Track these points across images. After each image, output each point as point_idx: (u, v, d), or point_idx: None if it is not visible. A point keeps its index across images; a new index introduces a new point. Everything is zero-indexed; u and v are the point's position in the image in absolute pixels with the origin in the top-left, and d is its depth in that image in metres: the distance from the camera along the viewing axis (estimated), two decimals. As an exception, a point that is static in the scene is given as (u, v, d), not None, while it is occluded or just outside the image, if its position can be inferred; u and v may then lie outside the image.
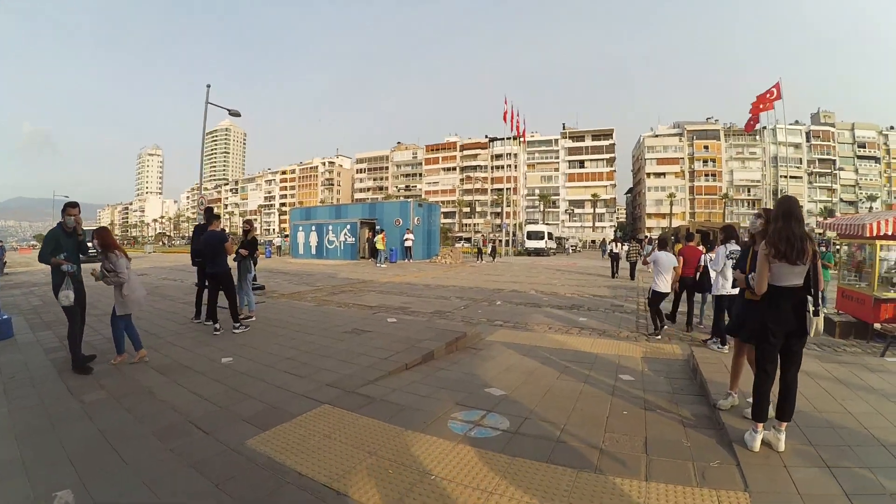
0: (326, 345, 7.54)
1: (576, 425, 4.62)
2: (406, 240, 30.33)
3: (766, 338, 4.13)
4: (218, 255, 8.81)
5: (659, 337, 8.96)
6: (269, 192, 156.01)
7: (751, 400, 4.44)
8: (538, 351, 7.63)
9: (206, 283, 9.17)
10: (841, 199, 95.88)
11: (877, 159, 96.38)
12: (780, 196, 4.73)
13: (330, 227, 32.67)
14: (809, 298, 4.15)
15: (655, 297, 9.22)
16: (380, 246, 27.34)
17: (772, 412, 4.25)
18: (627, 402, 5.32)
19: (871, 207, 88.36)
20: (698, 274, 9.78)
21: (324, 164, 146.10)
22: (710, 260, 9.16)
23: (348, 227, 31.35)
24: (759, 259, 4.17)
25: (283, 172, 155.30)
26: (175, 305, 11.80)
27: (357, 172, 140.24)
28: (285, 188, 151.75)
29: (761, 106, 44.32)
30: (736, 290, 6.93)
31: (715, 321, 8.16)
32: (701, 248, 10.45)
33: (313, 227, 33.92)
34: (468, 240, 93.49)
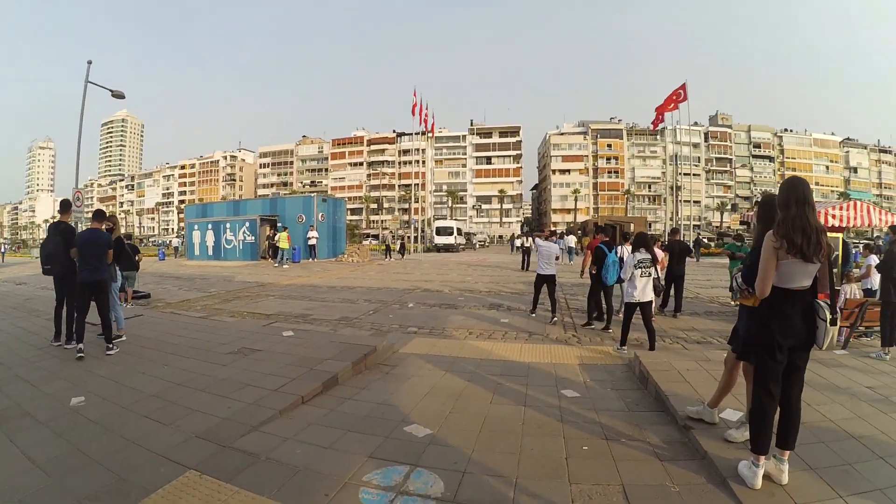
0: (205, 372, 6.18)
1: (531, 477, 3.59)
2: (310, 238, 28.68)
3: (772, 353, 3.31)
4: (100, 258, 7.47)
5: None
6: (168, 189, 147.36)
7: (727, 415, 3.90)
8: (462, 363, 6.72)
9: (74, 295, 7.70)
10: (737, 195, 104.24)
11: (771, 158, 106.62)
12: (788, 178, 3.68)
13: (227, 226, 30.36)
14: (820, 304, 3.33)
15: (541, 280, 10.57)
16: (283, 244, 25.70)
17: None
18: (583, 432, 4.44)
19: (737, 206, 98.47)
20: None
21: (225, 157, 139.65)
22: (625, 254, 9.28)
23: (247, 224, 29.24)
24: (764, 255, 3.29)
25: (182, 167, 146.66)
26: (39, 324, 9.80)
27: (260, 167, 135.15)
28: (184, 184, 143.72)
29: (670, 106, 45.85)
30: (650, 298, 7.55)
31: (624, 329, 7.77)
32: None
33: (210, 226, 31.42)
34: (376, 237, 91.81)
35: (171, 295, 15.19)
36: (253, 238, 28.59)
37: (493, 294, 14.62)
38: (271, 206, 32.80)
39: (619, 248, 10.14)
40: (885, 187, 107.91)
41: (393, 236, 50.89)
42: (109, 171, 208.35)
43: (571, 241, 33.98)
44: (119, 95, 19.20)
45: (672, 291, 11.35)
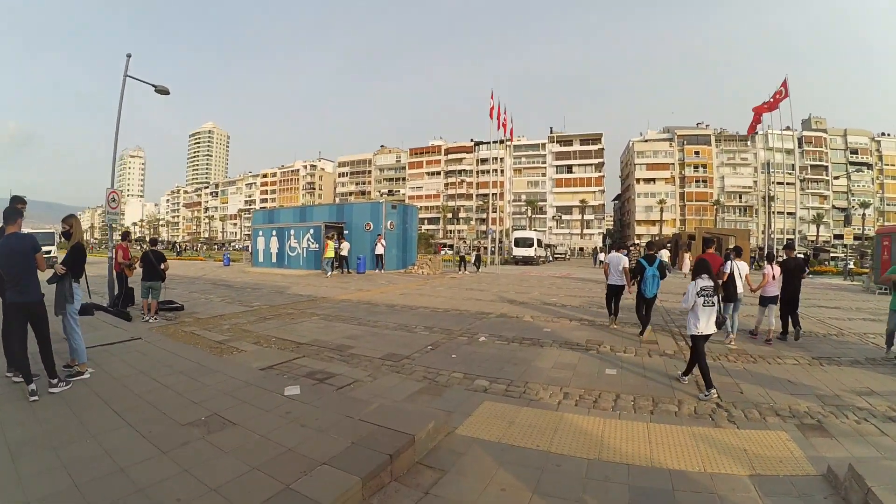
0: (126, 464, 3.67)
1: None
2: (376, 246, 26.34)
3: None
4: (26, 272, 5.39)
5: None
6: (250, 196, 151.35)
7: None
8: (562, 470, 4.05)
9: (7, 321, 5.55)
10: (833, 206, 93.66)
11: (869, 165, 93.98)
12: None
13: (292, 232, 28.30)
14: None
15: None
16: (328, 254, 23.73)
17: None
18: None
19: (863, 214, 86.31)
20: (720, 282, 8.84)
21: (305, 167, 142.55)
22: (737, 267, 9.76)
23: (311, 231, 26.96)
24: None
25: (264, 175, 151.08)
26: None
27: (339, 176, 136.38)
28: (266, 192, 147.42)
29: (765, 105, 42.13)
30: (712, 331, 6.56)
31: (691, 362, 6.85)
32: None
33: (274, 232, 29.51)
34: (451, 247, 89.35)
35: (209, 308, 13.22)
36: (317, 246, 26.30)
37: (589, 324, 11.57)
38: (338, 212, 30.59)
39: (730, 262, 9.78)
40: None
41: (469, 247, 47.55)
42: (196, 178, 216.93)
43: (664, 255, 30.95)
44: (163, 91, 17.53)
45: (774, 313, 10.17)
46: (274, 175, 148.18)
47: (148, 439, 4.23)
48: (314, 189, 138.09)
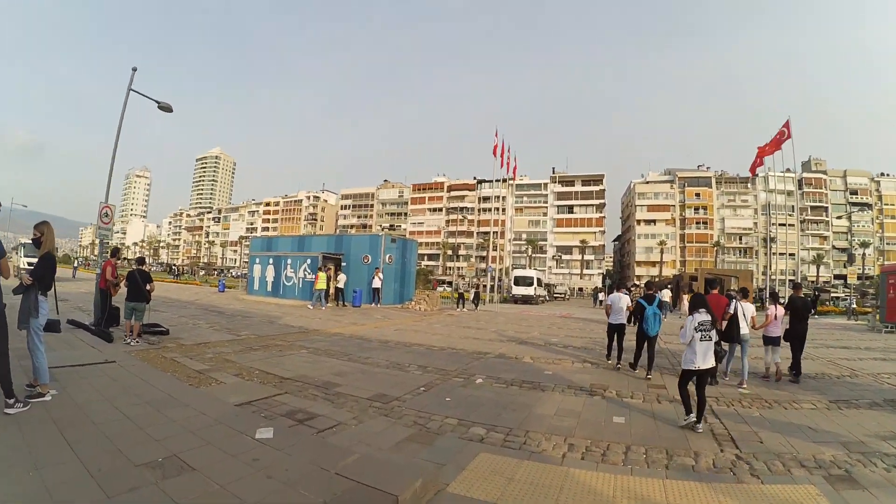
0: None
1: None
2: (374, 280, 25.73)
3: None
4: None
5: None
6: (252, 224, 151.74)
7: None
8: None
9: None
10: (833, 247, 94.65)
11: (869, 206, 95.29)
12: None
13: (289, 261, 27.68)
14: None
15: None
16: (320, 285, 23.11)
17: None
18: None
19: (864, 254, 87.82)
20: (724, 323, 9.61)
21: (308, 197, 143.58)
22: (742, 308, 9.82)
23: (308, 261, 26.34)
24: None
25: (267, 204, 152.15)
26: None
27: (342, 209, 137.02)
28: (268, 220, 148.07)
29: (768, 148, 42.18)
30: (710, 365, 6.52)
31: (700, 405, 6.52)
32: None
33: (271, 260, 28.86)
34: (450, 283, 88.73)
35: (195, 334, 12.65)
36: (314, 276, 25.79)
37: (593, 367, 10.98)
38: (337, 243, 29.91)
39: (735, 303, 9.91)
40: None
41: (468, 284, 46.53)
42: (200, 202, 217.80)
43: (665, 295, 31.38)
44: (166, 108, 17.33)
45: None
46: (277, 204, 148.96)
47: (95, 479, 3.74)
48: (316, 220, 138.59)
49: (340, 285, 25.22)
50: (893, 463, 5.21)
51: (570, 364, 11.21)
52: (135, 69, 16.62)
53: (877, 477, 4.81)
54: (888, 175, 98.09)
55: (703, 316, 6.60)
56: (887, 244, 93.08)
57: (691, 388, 6.74)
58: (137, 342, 10.46)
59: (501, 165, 42.66)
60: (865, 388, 9.36)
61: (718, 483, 4.59)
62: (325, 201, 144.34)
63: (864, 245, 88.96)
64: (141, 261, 11.90)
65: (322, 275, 23.36)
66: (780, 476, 4.83)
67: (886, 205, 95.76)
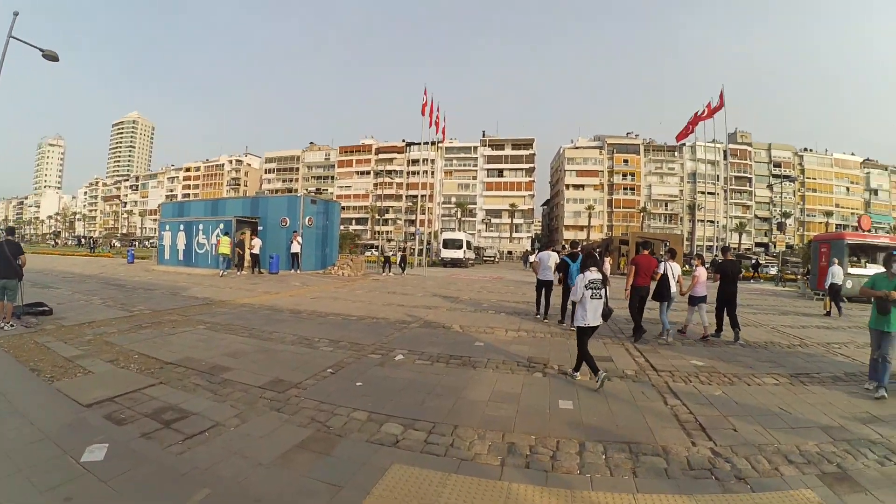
0: None
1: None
2: (292, 244, 24.21)
3: None
4: None
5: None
6: (172, 191, 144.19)
7: None
8: None
9: None
10: (756, 216, 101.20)
11: (791, 178, 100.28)
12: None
13: (200, 227, 25.60)
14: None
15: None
16: (222, 250, 21.70)
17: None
18: None
19: (783, 224, 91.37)
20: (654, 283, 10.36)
21: (231, 161, 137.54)
22: (671, 268, 10.35)
23: (221, 226, 24.15)
24: None
25: (188, 169, 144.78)
26: None
27: (266, 172, 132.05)
28: (188, 187, 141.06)
29: (702, 115, 43.04)
30: (598, 322, 6.72)
31: (580, 356, 6.86)
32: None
33: (182, 227, 26.62)
34: (375, 247, 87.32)
35: (83, 312, 11.11)
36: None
37: (529, 336, 10.10)
38: (252, 206, 27.70)
39: (664, 264, 10.45)
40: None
41: (398, 248, 44.79)
42: (118, 170, 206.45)
43: (607, 264, 31.52)
44: (51, 56, 15.50)
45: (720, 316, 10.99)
46: (198, 169, 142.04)
47: None
48: (239, 185, 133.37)
49: (256, 251, 23.43)
50: (884, 453, 4.60)
51: (504, 333, 10.37)
52: (16, 13, 14.83)
53: (873, 473, 4.17)
54: (811, 150, 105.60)
55: (593, 274, 6.76)
56: (808, 215, 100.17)
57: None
58: (13, 326, 9.03)
59: (430, 125, 41.25)
60: (820, 360, 8.93)
61: (702, 494, 3.76)
62: (249, 165, 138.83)
63: (786, 215, 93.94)
64: (10, 231, 10.27)
65: (225, 238, 21.90)
66: (770, 479, 4.06)
67: (808, 178, 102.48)
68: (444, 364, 7.57)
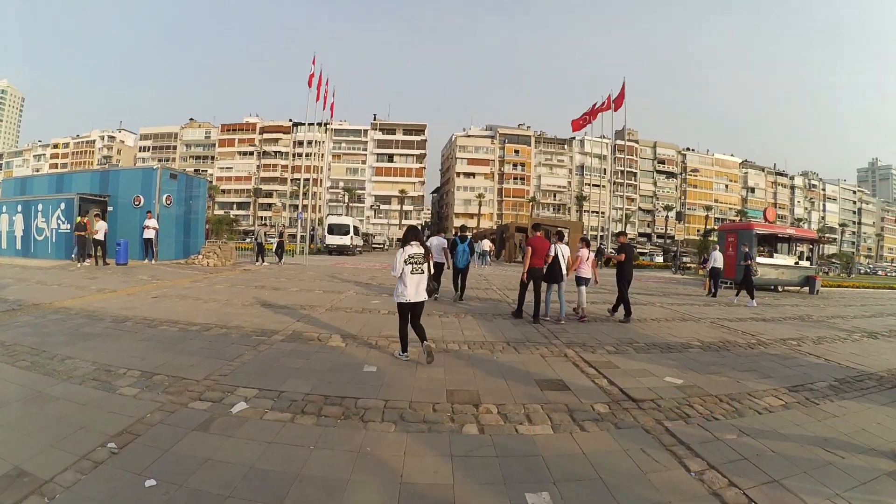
0: None
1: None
2: (146, 228, 20.77)
3: None
4: None
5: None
6: (38, 170, 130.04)
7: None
8: None
9: None
10: (640, 208, 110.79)
11: (674, 175, 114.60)
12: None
13: (40, 207, 21.50)
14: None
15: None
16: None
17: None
18: None
19: (666, 216, 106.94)
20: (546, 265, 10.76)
21: (102, 137, 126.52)
22: (560, 250, 10.91)
23: (63, 205, 20.57)
24: None
25: (55, 146, 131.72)
26: None
27: (140, 150, 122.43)
28: (56, 165, 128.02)
29: (602, 106, 43.65)
30: (422, 298, 6.67)
31: (402, 332, 6.86)
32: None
33: (19, 208, 22.20)
34: (251, 233, 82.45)
35: None
36: (68, 226, 20.38)
37: (440, 347, 7.69)
38: (101, 181, 23.53)
39: (554, 246, 10.80)
40: (780, 207, 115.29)
41: (277, 233, 41.99)
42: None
43: (486, 245, 33.92)
44: None
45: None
46: (66, 146, 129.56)
47: None
48: (110, 163, 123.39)
49: (100, 237, 19.28)
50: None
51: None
52: None
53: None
54: (693, 150, 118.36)
55: (413, 248, 6.65)
56: (688, 209, 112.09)
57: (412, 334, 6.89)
58: None
59: (318, 98, 38.16)
60: (800, 365, 7.99)
61: None
62: (122, 142, 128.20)
63: (668, 209, 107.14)
64: None
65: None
66: None
67: (690, 175, 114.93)
68: (315, 417, 4.84)
